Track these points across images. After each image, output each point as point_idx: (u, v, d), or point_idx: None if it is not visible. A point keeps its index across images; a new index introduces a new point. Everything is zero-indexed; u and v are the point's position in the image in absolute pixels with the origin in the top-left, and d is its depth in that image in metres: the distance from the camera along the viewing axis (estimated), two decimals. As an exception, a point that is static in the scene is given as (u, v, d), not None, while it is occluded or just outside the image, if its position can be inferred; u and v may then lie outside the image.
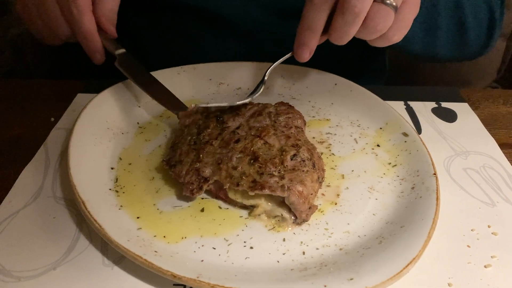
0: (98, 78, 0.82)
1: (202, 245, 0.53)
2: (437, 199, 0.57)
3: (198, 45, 0.91)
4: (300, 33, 0.59)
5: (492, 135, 0.75)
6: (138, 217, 0.56)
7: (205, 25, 0.89)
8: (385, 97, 0.77)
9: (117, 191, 0.59)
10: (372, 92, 0.78)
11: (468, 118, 0.79)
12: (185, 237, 0.54)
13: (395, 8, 0.56)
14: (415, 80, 1.49)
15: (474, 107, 0.82)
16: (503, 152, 0.71)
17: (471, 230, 0.58)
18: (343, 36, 0.57)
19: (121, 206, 0.57)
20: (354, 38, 0.59)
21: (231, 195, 0.57)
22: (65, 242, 0.54)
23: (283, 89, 0.83)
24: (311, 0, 0.56)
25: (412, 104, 0.82)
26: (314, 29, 0.57)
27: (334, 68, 0.83)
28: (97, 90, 0.74)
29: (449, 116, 0.79)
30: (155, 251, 0.50)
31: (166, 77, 0.78)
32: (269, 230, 0.56)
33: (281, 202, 0.57)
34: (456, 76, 1.52)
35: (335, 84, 0.82)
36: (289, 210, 0.57)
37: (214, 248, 0.53)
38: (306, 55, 0.59)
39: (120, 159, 0.65)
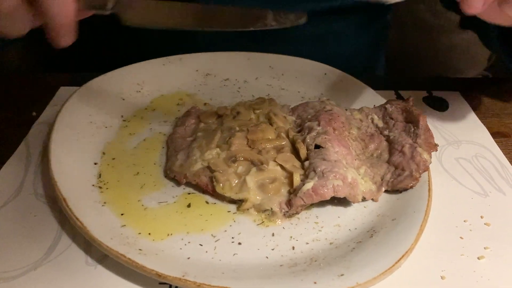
0: (82, 71, 0.79)
1: (189, 242, 0.51)
2: (429, 190, 0.55)
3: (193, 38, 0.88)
4: None
5: (484, 124, 0.74)
6: (122, 214, 0.54)
7: None
8: (376, 86, 0.76)
9: (100, 187, 0.58)
10: (363, 82, 0.76)
11: (460, 107, 0.78)
12: (171, 234, 0.52)
13: None
14: (405, 69, 1.48)
15: (466, 96, 0.81)
16: (495, 141, 0.70)
17: (464, 221, 0.57)
18: None
19: (104, 202, 0.55)
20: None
21: (218, 189, 0.56)
22: (47, 241, 0.52)
23: (272, 79, 0.81)
24: None
25: (403, 93, 0.81)
26: None
27: (330, 62, 0.81)
28: (81, 83, 0.71)
29: (441, 105, 0.78)
30: (140, 249, 0.49)
31: (151, 68, 0.76)
32: (258, 225, 0.54)
33: (271, 195, 0.56)
34: (447, 64, 1.52)
35: (325, 73, 0.80)
36: (279, 203, 0.55)
37: (201, 245, 0.51)
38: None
39: (104, 153, 0.63)
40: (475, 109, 0.78)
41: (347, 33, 0.93)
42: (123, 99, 0.72)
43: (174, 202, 0.56)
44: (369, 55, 1.07)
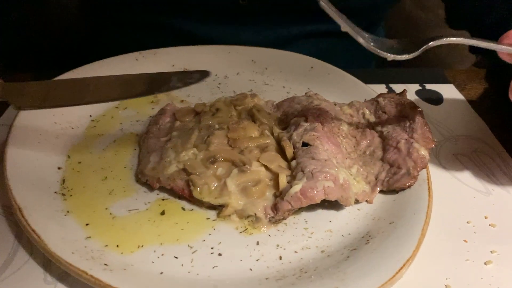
0: (47, 69, 0.73)
1: (162, 254, 0.45)
2: (429, 189, 0.50)
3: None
4: None
5: (481, 117, 0.69)
6: (87, 224, 0.48)
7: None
8: (366, 80, 0.71)
9: (63, 194, 0.51)
10: (352, 75, 0.71)
11: (455, 100, 0.73)
12: (142, 246, 0.46)
13: None
14: (395, 64, 1.44)
15: (460, 88, 0.76)
16: (494, 134, 0.66)
17: (467, 222, 0.52)
18: None
19: (67, 211, 0.49)
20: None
21: (196, 193, 0.50)
22: (1, 256, 0.46)
23: (254, 74, 0.75)
24: None
25: (395, 87, 0.76)
26: None
27: (317, 55, 0.77)
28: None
29: (435, 99, 0.73)
30: (105, 264, 0.43)
31: (123, 63, 0.70)
32: (241, 232, 0.48)
33: (255, 200, 0.50)
34: (437, 59, 1.48)
35: (311, 67, 0.75)
36: (264, 208, 0.50)
37: (176, 257, 0.45)
38: None
39: (69, 157, 0.56)
40: (471, 101, 0.73)
41: (338, 50, 0.91)
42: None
43: (146, 210, 0.50)
44: (361, 63, 1.05)
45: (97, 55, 0.77)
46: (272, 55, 0.77)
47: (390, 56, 0.47)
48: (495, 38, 0.85)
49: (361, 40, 0.46)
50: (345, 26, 0.46)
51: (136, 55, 0.72)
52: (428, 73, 0.80)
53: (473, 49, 0.93)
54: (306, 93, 0.66)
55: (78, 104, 0.52)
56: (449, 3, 0.96)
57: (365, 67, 1.10)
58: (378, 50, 0.47)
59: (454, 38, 0.48)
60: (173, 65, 0.74)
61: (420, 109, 0.58)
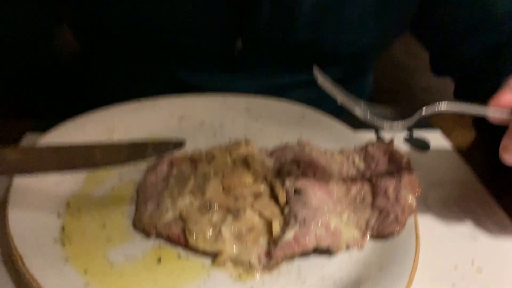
0: (49, 117, 0.75)
1: (158, 302, 0.46)
2: (417, 236, 0.52)
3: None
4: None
5: (467, 163, 0.72)
6: (85, 271, 0.49)
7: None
8: (356, 126, 0.74)
9: (63, 241, 0.53)
10: (343, 122, 0.74)
11: (442, 146, 0.76)
12: (139, 293, 0.47)
13: None
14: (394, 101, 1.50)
15: (447, 134, 0.80)
16: (480, 180, 0.68)
17: (455, 267, 0.53)
18: None
19: (67, 259, 0.50)
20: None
21: (191, 241, 0.51)
22: (0, 304, 0.47)
23: (249, 122, 0.78)
24: None
25: (384, 133, 0.79)
26: None
27: (309, 101, 0.81)
28: (47, 129, 0.67)
29: (422, 145, 0.76)
30: (103, 312, 0.44)
31: (122, 112, 0.73)
32: (235, 279, 0.50)
33: (249, 246, 0.52)
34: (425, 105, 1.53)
35: (303, 115, 0.78)
36: (258, 255, 0.51)
37: (172, 305, 0.46)
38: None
39: (68, 204, 0.58)
40: (457, 147, 0.76)
41: (328, 97, 0.96)
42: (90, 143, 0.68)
43: (143, 257, 0.51)
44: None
45: (91, 101, 0.81)
46: (266, 104, 0.80)
47: (387, 125, 0.50)
48: (477, 87, 0.90)
49: (358, 112, 0.50)
50: (342, 99, 0.49)
51: (135, 104, 0.75)
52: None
53: (457, 95, 0.97)
54: (298, 141, 0.69)
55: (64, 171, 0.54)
56: (433, 53, 1.01)
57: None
58: (375, 120, 0.50)
59: (445, 107, 0.51)
60: (171, 113, 0.77)
61: (407, 156, 0.61)
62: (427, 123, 0.82)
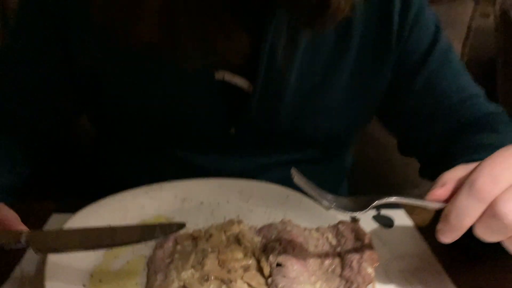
0: (72, 198, 0.90)
1: None
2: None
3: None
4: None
5: (425, 239, 0.85)
6: (107, 332, 0.61)
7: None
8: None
9: (88, 308, 0.65)
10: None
11: (404, 224, 0.90)
12: None
13: None
14: (366, 183, 1.63)
15: (410, 213, 0.94)
16: (434, 254, 0.81)
17: (408, 329, 0.65)
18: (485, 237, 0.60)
19: (91, 322, 0.63)
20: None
21: (192, 306, 0.64)
22: None
23: (241, 202, 0.92)
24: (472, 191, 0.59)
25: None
26: (460, 227, 0.60)
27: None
28: (72, 210, 0.81)
29: (387, 223, 0.90)
30: None
31: (134, 197, 0.87)
32: (227, 338, 0.62)
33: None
34: (404, 179, 1.67)
35: (288, 196, 0.92)
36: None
37: None
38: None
39: (92, 276, 0.71)
40: (418, 224, 0.90)
41: (311, 174, 1.11)
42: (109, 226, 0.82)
43: (154, 320, 0.64)
44: (332, 185, 1.24)
45: (107, 178, 0.95)
46: (255, 186, 0.94)
47: (348, 214, 0.66)
48: (437, 169, 1.05)
49: (325, 204, 0.65)
50: (312, 193, 0.64)
51: (146, 189, 0.89)
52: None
53: (421, 174, 1.13)
54: (281, 220, 0.83)
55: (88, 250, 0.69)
56: (398, 137, 1.18)
57: (337, 187, 1.29)
58: (339, 210, 0.65)
59: (393, 199, 0.66)
60: (175, 196, 0.91)
61: (368, 234, 0.74)
62: (394, 204, 0.96)
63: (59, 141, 1.17)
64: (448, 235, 0.62)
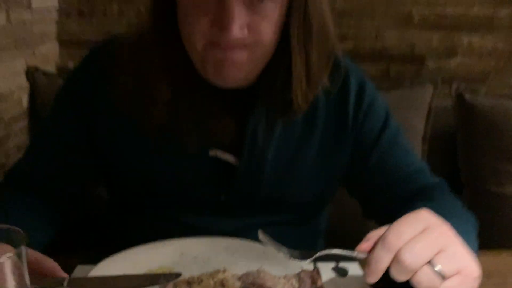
0: (96, 250, 1.13)
1: None
2: None
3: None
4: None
5: (372, 286, 1.08)
6: None
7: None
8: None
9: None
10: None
11: (357, 274, 1.13)
12: None
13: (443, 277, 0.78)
14: (344, 234, 1.84)
15: (362, 266, 1.16)
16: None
17: None
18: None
19: None
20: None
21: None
22: None
23: (227, 256, 1.16)
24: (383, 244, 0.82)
25: (319, 264, 1.16)
26: (377, 271, 0.83)
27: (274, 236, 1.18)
28: (95, 261, 1.05)
29: (343, 272, 1.13)
30: None
31: (142, 251, 1.11)
32: None
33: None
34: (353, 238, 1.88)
35: (264, 251, 1.16)
36: None
37: None
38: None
39: (111, 312, 0.93)
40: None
41: (291, 234, 1.31)
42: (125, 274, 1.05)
43: None
44: (309, 243, 1.48)
45: (120, 235, 1.20)
46: (238, 243, 1.18)
47: (298, 261, 0.91)
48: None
49: (281, 254, 0.89)
50: (272, 246, 0.89)
51: (152, 245, 1.14)
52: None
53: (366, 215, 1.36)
54: (257, 269, 1.06)
55: None
56: (359, 201, 1.42)
57: (313, 245, 1.52)
58: (292, 259, 0.90)
59: (333, 251, 0.90)
60: (174, 250, 1.15)
61: (320, 279, 0.98)
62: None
63: (80, 205, 1.43)
64: (371, 277, 0.85)
